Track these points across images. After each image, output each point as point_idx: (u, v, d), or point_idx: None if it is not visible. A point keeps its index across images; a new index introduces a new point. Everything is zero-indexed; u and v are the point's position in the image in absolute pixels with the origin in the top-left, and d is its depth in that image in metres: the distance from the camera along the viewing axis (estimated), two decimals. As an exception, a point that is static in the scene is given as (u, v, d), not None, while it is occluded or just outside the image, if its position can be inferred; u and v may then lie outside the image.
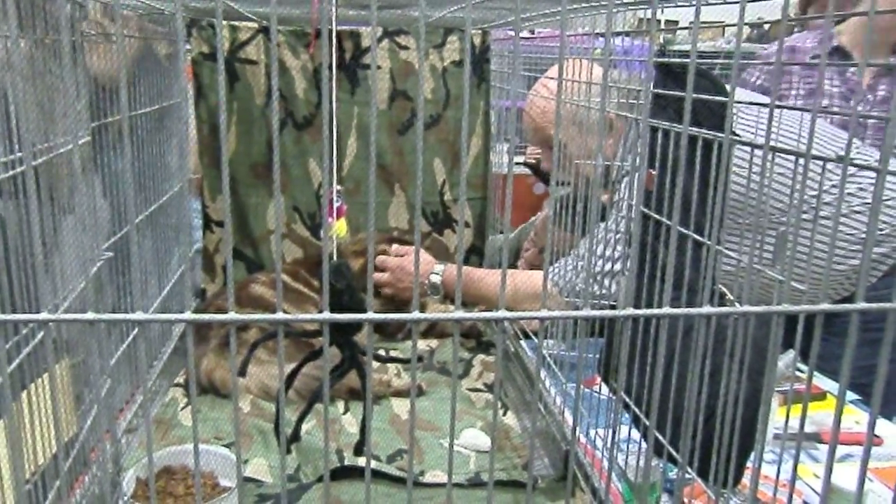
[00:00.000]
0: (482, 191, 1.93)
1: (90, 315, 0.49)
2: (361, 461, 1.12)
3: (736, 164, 0.71)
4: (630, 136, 1.12)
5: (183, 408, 1.32)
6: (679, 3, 1.00)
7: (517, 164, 2.20)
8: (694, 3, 0.57)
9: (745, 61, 2.07)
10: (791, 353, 1.17)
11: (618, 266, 1.20)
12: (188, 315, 0.50)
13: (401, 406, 1.35)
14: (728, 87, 0.72)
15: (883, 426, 1.25)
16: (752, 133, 0.70)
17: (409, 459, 0.56)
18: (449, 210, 1.91)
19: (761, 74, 2.10)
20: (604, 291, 1.21)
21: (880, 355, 0.54)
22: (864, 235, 1.17)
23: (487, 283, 1.57)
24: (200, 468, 0.62)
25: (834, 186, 1.33)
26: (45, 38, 0.78)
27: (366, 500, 0.53)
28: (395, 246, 1.74)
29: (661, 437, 0.81)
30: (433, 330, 1.68)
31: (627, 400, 0.87)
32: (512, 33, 1.76)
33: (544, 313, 0.54)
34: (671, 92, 0.82)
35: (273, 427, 1.21)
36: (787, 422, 0.70)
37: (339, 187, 1.29)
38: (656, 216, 0.82)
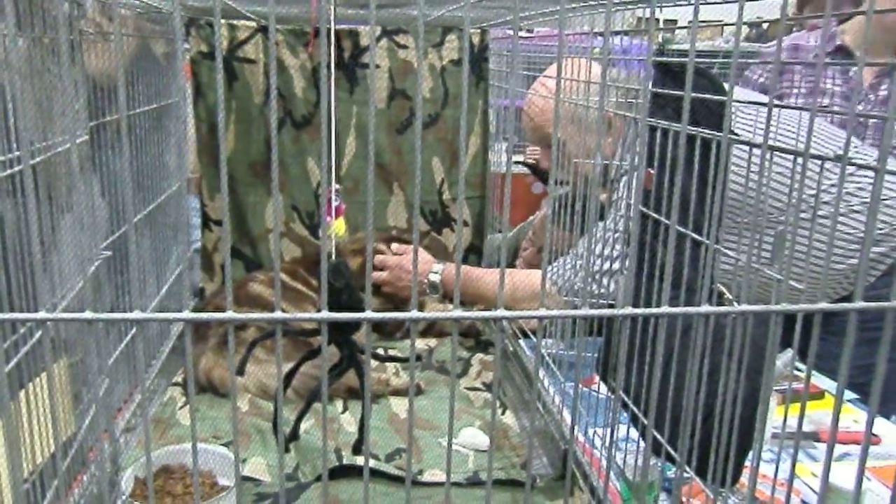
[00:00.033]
0: (481, 190, 1.93)
1: (88, 314, 0.49)
2: (360, 460, 1.12)
3: (734, 163, 0.71)
4: (629, 136, 1.12)
5: (181, 407, 1.32)
6: (678, 3, 0.99)
7: (516, 163, 2.20)
8: (693, 2, 0.57)
9: (744, 60, 2.07)
10: (789, 352, 1.17)
11: (616, 265, 1.20)
12: (186, 314, 0.50)
13: (399, 405, 1.35)
14: (727, 86, 0.72)
15: (881, 425, 1.25)
16: (751, 132, 0.70)
17: (408, 458, 0.56)
18: (447, 209, 1.91)
19: (764, 72, 2.09)
20: (602, 290, 1.21)
21: (878, 354, 0.54)
22: (862, 235, 1.17)
23: (486, 282, 1.57)
24: (199, 467, 0.62)
25: (833, 186, 1.33)
26: (44, 37, 0.78)
27: (364, 499, 0.53)
28: (393, 245, 1.74)
29: (659, 436, 0.81)
30: (432, 329, 1.68)
31: (626, 399, 0.87)
32: (510, 32, 1.76)
33: (543, 312, 0.54)
34: (670, 91, 0.82)
35: (271, 426, 1.21)
36: (785, 421, 0.70)
37: (337, 186, 1.28)
38: (655, 215, 0.82)
